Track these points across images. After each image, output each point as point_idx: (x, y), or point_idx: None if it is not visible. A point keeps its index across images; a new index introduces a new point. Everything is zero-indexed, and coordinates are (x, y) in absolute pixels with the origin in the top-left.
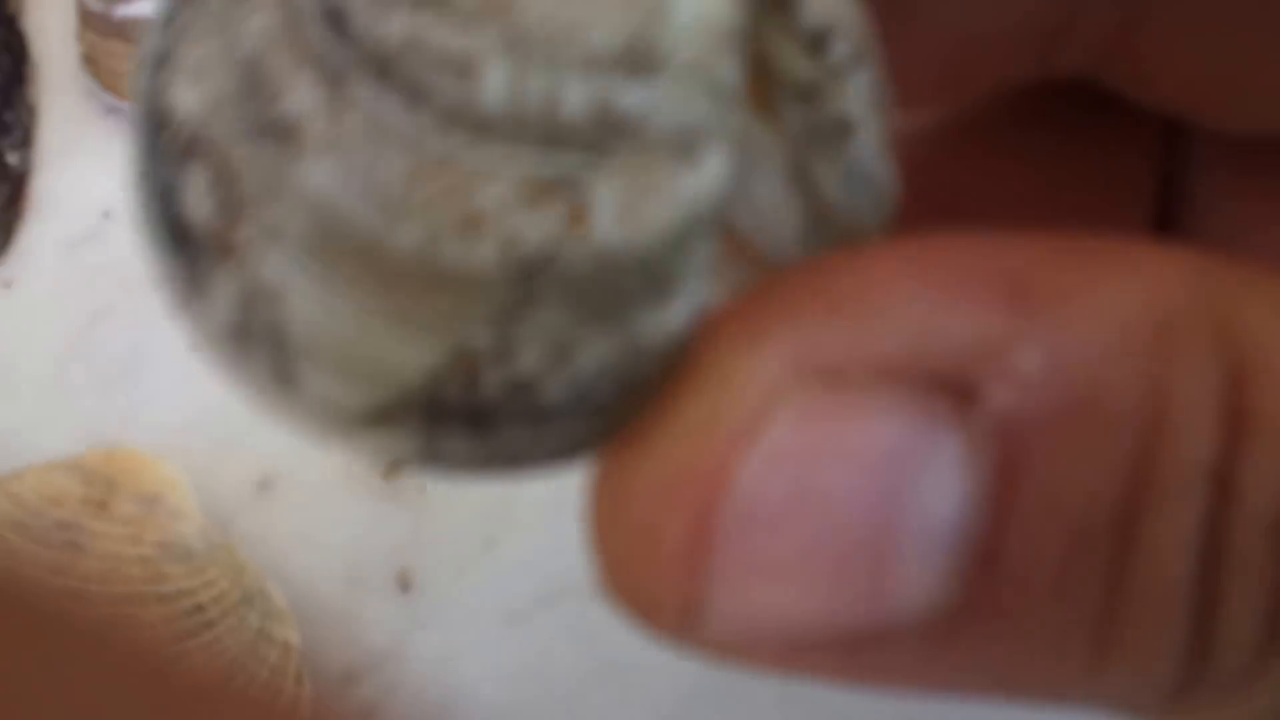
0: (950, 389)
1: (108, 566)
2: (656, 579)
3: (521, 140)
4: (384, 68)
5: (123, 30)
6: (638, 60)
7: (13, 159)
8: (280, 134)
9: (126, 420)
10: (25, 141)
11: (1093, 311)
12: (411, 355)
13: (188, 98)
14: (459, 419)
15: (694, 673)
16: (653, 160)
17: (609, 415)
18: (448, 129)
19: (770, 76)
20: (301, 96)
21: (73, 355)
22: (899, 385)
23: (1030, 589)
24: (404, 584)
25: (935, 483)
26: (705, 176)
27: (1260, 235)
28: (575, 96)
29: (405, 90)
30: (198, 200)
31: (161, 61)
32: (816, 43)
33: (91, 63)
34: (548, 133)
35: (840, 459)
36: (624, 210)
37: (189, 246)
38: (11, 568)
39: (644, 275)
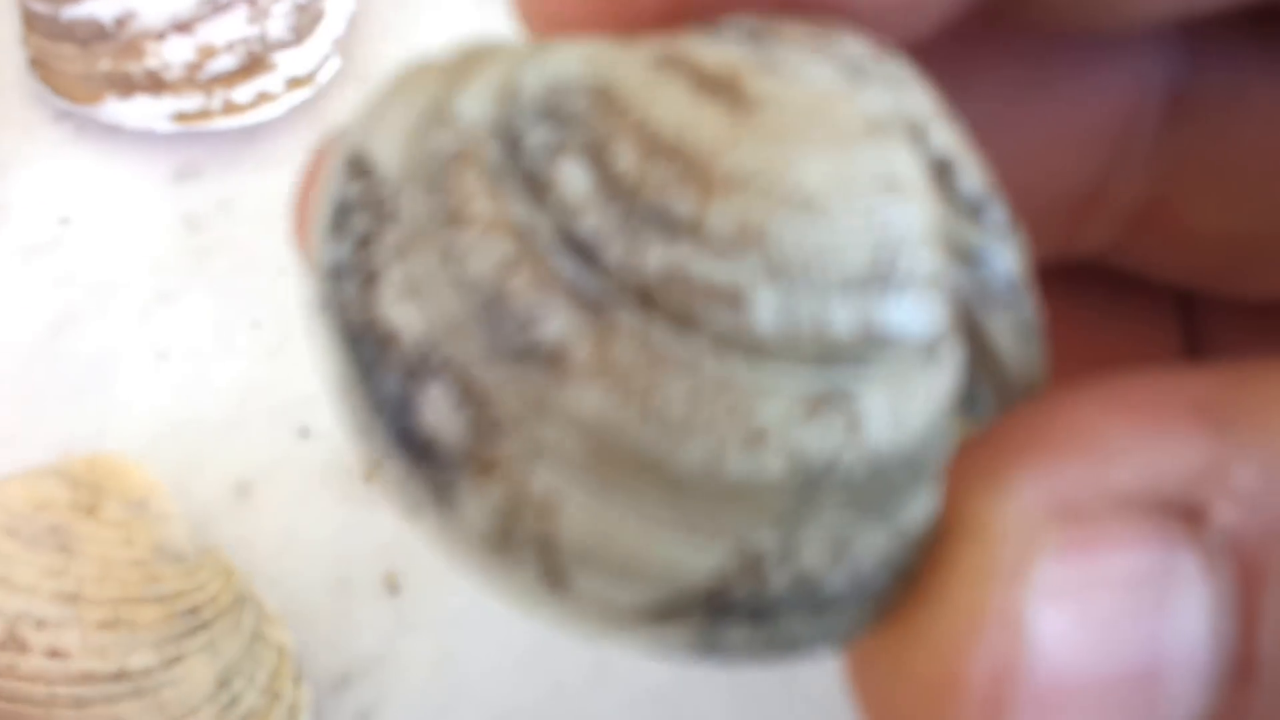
0: (1181, 512)
1: (102, 569)
2: None
3: (795, 359)
4: (646, 297)
5: (71, 32)
6: (887, 277)
7: None
8: (541, 358)
9: (97, 428)
10: None
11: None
12: (698, 559)
13: (407, 314)
14: (742, 614)
15: (690, 671)
16: (909, 367)
17: (881, 599)
18: (723, 353)
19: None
20: (559, 323)
21: (37, 364)
22: (1137, 514)
23: None
24: (392, 586)
25: (1185, 600)
26: (947, 373)
27: None
28: (842, 317)
29: (673, 318)
30: (442, 417)
31: (358, 275)
32: (977, 209)
33: (40, 66)
34: (819, 352)
35: (1106, 587)
36: (892, 416)
37: (431, 459)
38: None
39: (909, 469)
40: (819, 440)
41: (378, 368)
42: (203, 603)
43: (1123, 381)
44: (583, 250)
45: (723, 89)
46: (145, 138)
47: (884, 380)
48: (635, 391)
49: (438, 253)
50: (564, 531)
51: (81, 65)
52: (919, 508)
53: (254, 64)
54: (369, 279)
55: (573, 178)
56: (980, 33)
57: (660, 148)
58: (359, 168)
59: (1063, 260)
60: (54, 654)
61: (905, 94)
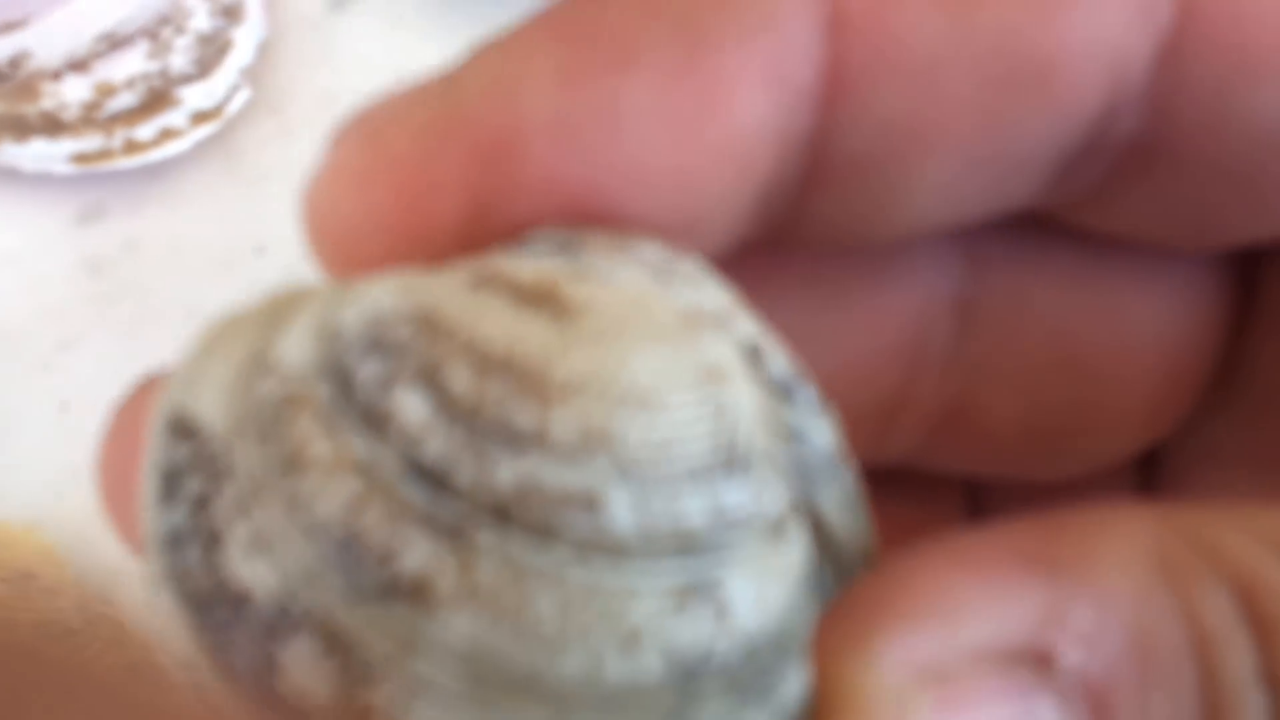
0: (1031, 659)
1: None
2: None
3: (656, 554)
4: (503, 513)
5: None
6: (729, 462)
7: None
8: (404, 593)
9: None
10: None
11: (1110, 567)
12: None
13: (258, 571)
14: None
15: None
16: (761, 546)
17: None
18: (587, 558)
19: None
20: (419, 553)
21: None
22: (994, 667)
23: None
24: None
25: None
26: (797, 548)
27: None
28: (693, 505)
29: (533, 530)
30: (309, 672)
31: (197, 540)
32: (787, 392)
33: None
34: (678, 543)
35: None
36: (756, 598)
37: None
38: None
39: (776, 648)
40: (692, 632)
41: (233, 632)
42: None
43: (955, 542)
44: (432, 476)
45: (543, 300)
46: (44, 181)
47: (742, 563)
48: (506, 611)
49: (282, 502)
50: None
51: None
52: (792, 684)
53: (156, 100)
54: (212, 540)
55: (410, 406)
56: (771, 251)
57: (493, 365)
58: (183, 429)
59: (870, 467)
60: None
61: (704, 290)
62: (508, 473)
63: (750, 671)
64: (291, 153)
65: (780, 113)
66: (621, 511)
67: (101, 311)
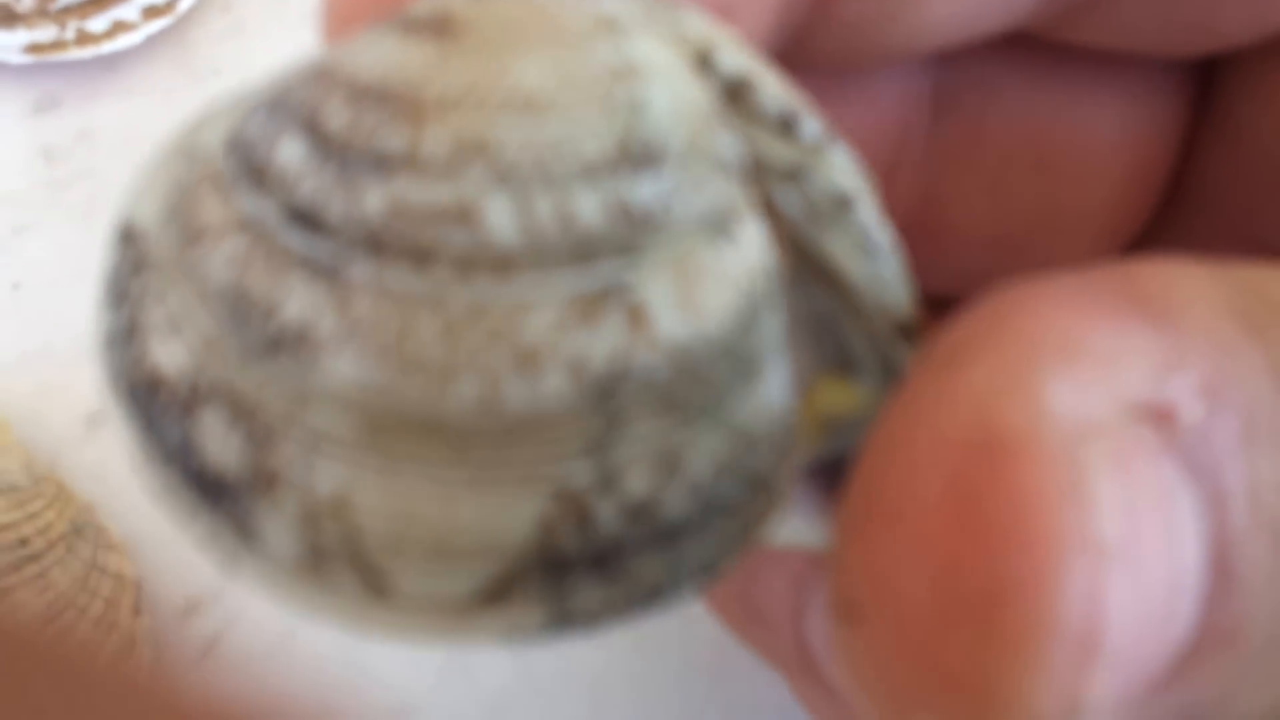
0: (1153, 415)
1: None
2: (1038, 674)
3: (549, 263)
4: (375, 242)
5: None
6: (636, 155)
7: None
8: (289, 344)
9: None
10: None
11: (1200, 320)
12: (509, 515)
13: (171, 352)
14: (583, 566)
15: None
16: (691, 246)
17: (741, 515)
18: (468, 276)
19: (750, 164)
20: (298, 300)
21: None
22: (1143, 424)
23: (1256, 597)
24: None
25: (1182, 508)
26: (747, 249)
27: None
28: (587, 205)
29: (407, 255)
30: (219, 445)
31: (127, 335)
32: (786, 125)
33: None
34: (574, 247)
35: (1142, 503)
36: (681, 300)
37: (226, 494)
38: None
39: (726, 360)
40: (601, 343)
41: (158, 416)
42: (32, 534)
43: (1054, 284)
44: (306, 218)
45: (431, 26)
46: (0, 70)
47: (663, 264)
48: (388, 346)
49: (184, 276)
50: (365, 523)
51: None
52: (755, 404)
53: None
54: (136, 332)
55: (288, 152)
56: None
57: (368, 95)
58: (125, 236)
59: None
60: None
61: (680, 18)
62: (375, 199)
63: (690, 387)
64: (241, 49)
65: None
66: (500, 219)
67: (55, 197)
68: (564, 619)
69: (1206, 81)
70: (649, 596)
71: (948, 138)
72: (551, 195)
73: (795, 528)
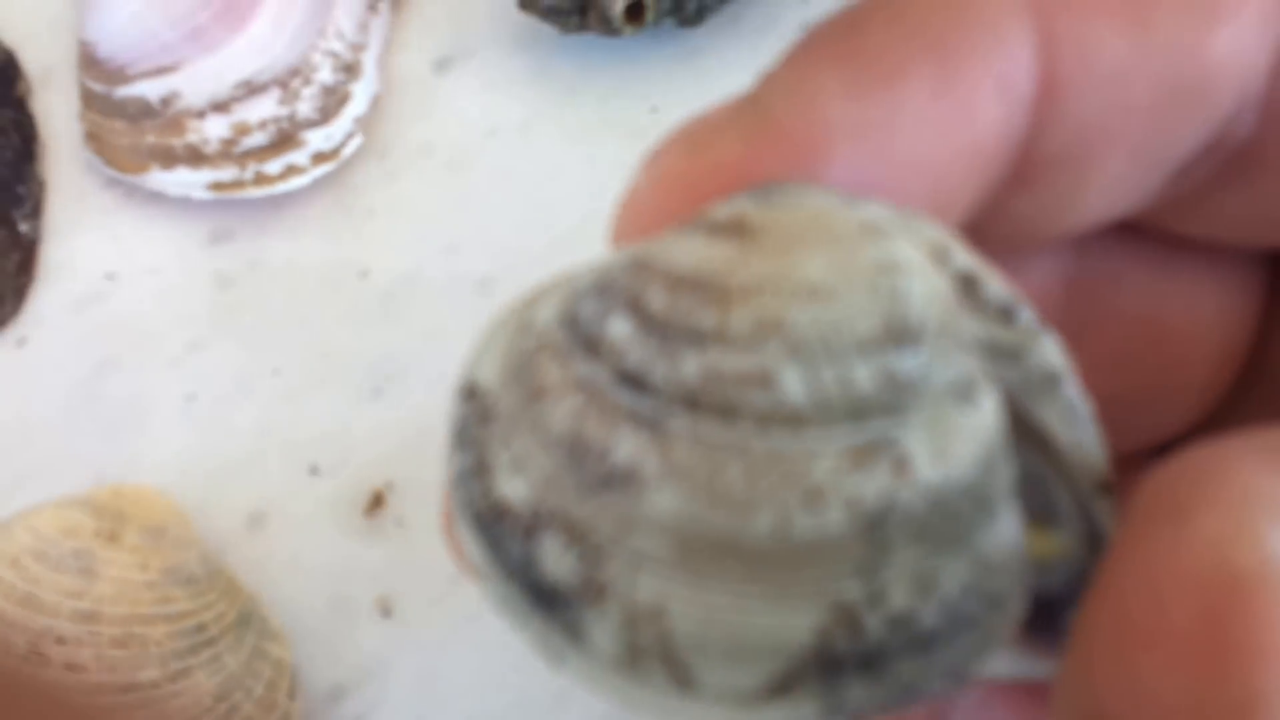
0: None
1: (118, 590)
2: None
3: (831, 421)
4: (691, 400)
5: (122, 109)
6: (900, 335)
7: (24, 228)
8: (619, 481)
9: (130, 461)
10: (35, 213)
11: None
12: (794, 622)
13: (515, 486)
14: (853, 667)
15: None
16: (944, 408)
17: (982, 629)
18: (766, 430)
19: (976, 344)
20: (627, 446)
21: (80, 403)
22: None
23: None
24: (384, 609)
25: None
26: (986, 412)
27: None
28: (862, 374)
29: (717, 411)
30: (556, 561)
31: (475, 472)
32: (1008, 313)
33: (94, 139)
34: (851, 408)
35: None
36: (935, 452)
37: (559, 603)
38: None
39: (971, 500)
40: (872, 485)
41: (502, 539)
42: (209, 621)
43: (1236, 443)
44: (634, 381)
45: (732, 229)
46: (184, 204)
47: (922, 424)
48: (700, 483)
49: (528, 427)
50: (676, 627)
51: (130, 139)
52: (994, 536)
53: (283, 140)
54: (485, 471)
55: (618, 328)
56: None
57: (683, 284)
58: (469, 393)
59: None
60: (70, 668)
61: (921, 225)
62: (692, 366)
63: (940, 521)
64: (394, 192)
65: (1009, 117)
66: (793, 384)
67: (226, 319)
68: (835, 711)
69: (1277, 271)
70: (905, 694)
71: (1080, 313)
72: (834, 365)
73: (1003, 659)
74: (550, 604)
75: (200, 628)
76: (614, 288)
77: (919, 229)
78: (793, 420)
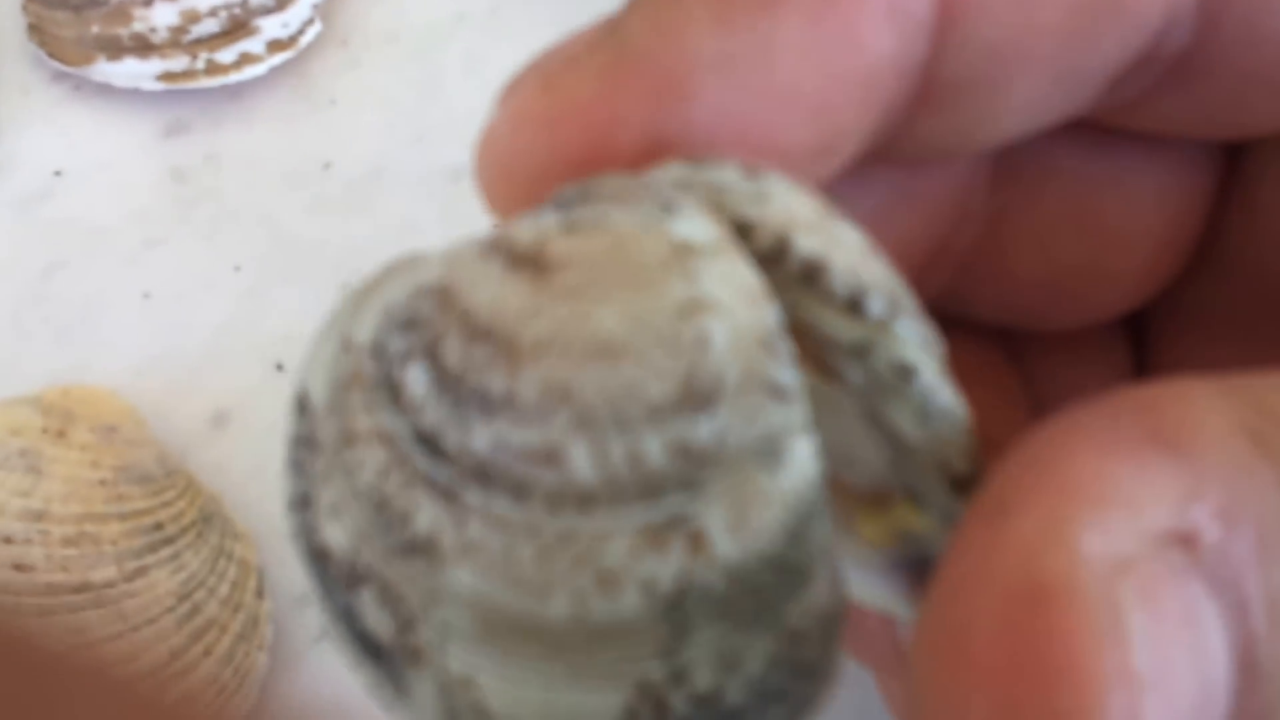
0: (1178, 541)
1: (69, 489)
2: None
3: (622, 500)
4: (483, 474)
5: (65, 0)
6: (695, 398)
7: None
8: (421, 550)
9: (82, 364)
10: None
11: (1215, 444)
12: (600, 701)
13: (336, 535)
14: None
15: None
16: (745, 474)
17: (791, 700)
18: (557, 510)
19: (820, 343)
20: (426, 515)
21: (30, 305)
22: (1163, 553)
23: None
24: None
25: (1208, 622)
26: (797, 468)
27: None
28: (653, 448)
29: (508, 488)
30: (375, 618)
31: (304, 503)
32: (853, 304)
33: (37, 31)
34: (642, 486)
35: (1173, 627)
36: (734, 525)
37: (383, 657)
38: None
39: (775, 571)
40: (667, 566)
41: (329, 583)
42: (166, 520)
43: (1072, 425)
44: (429, 444)
45: (528, 261)
46: (135, 97)
47: (720, 495)
48: (495, 564)
49: (342, 472)
50: (490, 703)
51: (74, 30)
52: (805, 606)
53: (236, 28)
54: (309, 505)
55: (415, 379)
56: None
57: (478, 333)
58: (301, 406)
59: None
60: (19, 568)
61: (771, 192)
62: (482, 437)
63: (740, 597)
64: (356, 81)
65: (902, 43)
66: (581, 463)
67: (183, 215)
68: None
69: (1233, 162)
70: None
71: (1007, 200)
72: (623, 439)
73: (890, 602)
74: (376, 656)
75: (158, 526)
76: (420, 323)
77: (766, 199)
78: (584, 500)
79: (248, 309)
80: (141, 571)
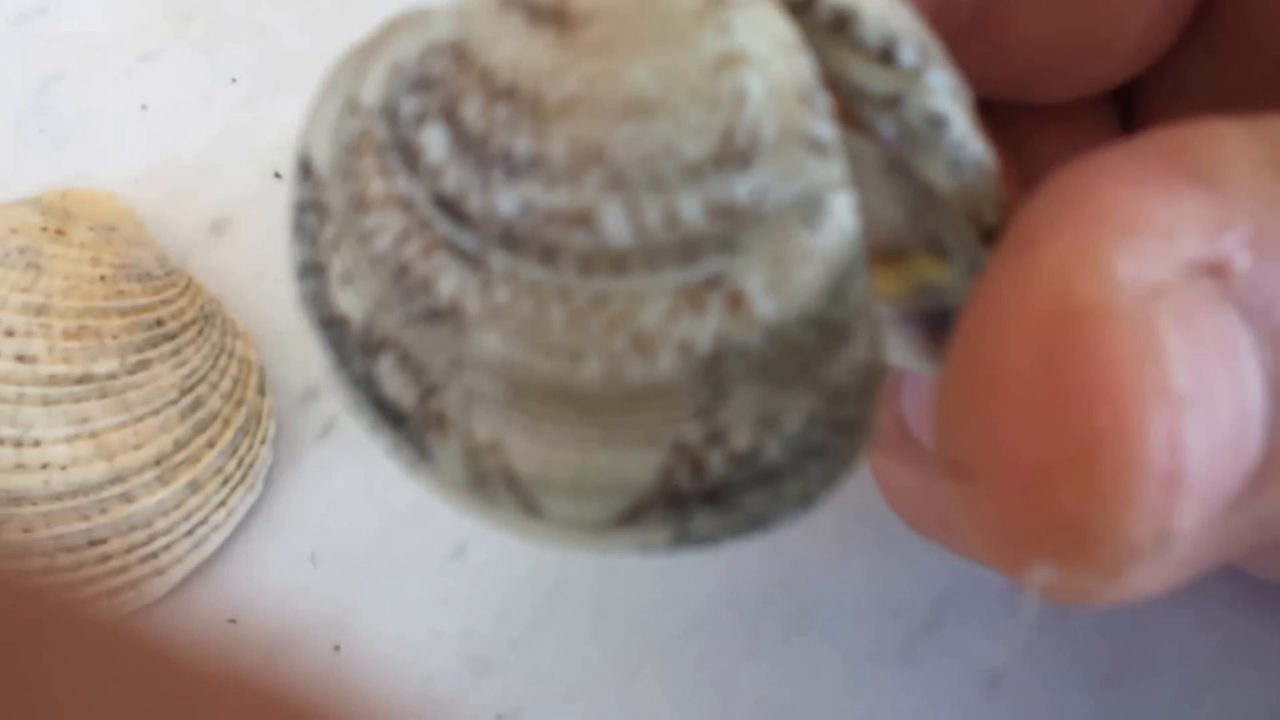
0: (1209, 270)
1: (69, 284)
2: (1132, 511)
3: (658, 262)
4: (510, 238)
5: None
6: (733, 155)
7: None
8: (444, 316)
9: (81, 175)
10: None
11: (1244, 177)
12: (635, 464)
13: (349, 300)
14: (698, 501)
15: None
16: (785, 233)
17: (831, 456)
18: (589, 273)
19: (849, 95)
20: (449, 281)
21: (26, 118)
22: (1197, 280)
23: None
24: None
25: (1243, 348)
26: (837, 224)
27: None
28: (690, 208)
29: (536, 251)
30: (395, 386)
31: (313, 270)
32: (885, 54)
33: None
34: (679, 247)
35: (1209, 353)
36: (774, 284)
37: (404, 423)
38: None
39: (816, 329)
40: (705, 327)
41: (344, 350)
42: (167, 316)
43: (1108, 160)
44: (451, 208)
45: (551, 15)
46: None
47: (759, 254)
48: (524, 328)
49: (355, 238)
50: (518, 466)
51: None
52: (851, 358)
53: None
54: (320, 272)
55: (433, 141)
56: None
57: (499, 91)
58: (305, 169)
59: None
60: (21, 359)
61: None
62: (507, 200)
63: (780, 354)
64: None
65: None
66: (614, 224)
67: (178, 28)
68: (686, 539)
69: None
70: (755, 523)
71: None
72: (659, 199)
73: (904, 357)
74: (396, 421)
75: (158, 322)
76: (434, 82)
77: None
78: (617, 262)
79: (245, 120)
80: (143, 365)
